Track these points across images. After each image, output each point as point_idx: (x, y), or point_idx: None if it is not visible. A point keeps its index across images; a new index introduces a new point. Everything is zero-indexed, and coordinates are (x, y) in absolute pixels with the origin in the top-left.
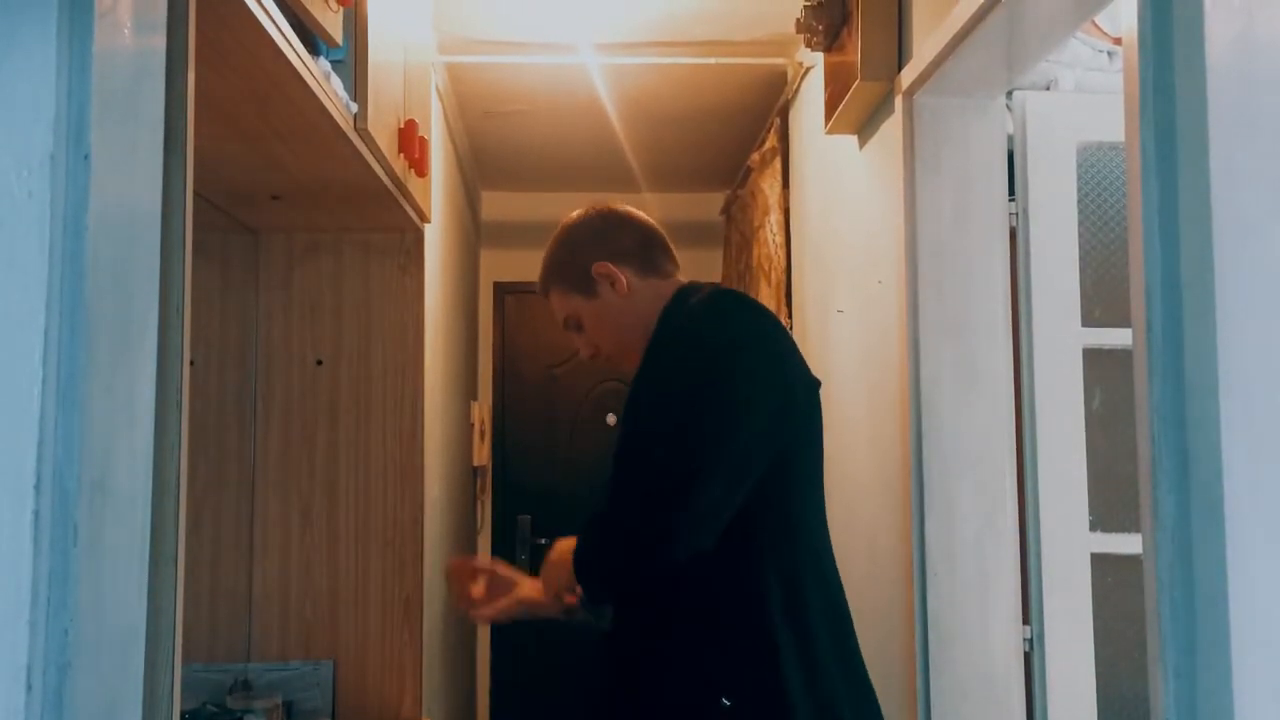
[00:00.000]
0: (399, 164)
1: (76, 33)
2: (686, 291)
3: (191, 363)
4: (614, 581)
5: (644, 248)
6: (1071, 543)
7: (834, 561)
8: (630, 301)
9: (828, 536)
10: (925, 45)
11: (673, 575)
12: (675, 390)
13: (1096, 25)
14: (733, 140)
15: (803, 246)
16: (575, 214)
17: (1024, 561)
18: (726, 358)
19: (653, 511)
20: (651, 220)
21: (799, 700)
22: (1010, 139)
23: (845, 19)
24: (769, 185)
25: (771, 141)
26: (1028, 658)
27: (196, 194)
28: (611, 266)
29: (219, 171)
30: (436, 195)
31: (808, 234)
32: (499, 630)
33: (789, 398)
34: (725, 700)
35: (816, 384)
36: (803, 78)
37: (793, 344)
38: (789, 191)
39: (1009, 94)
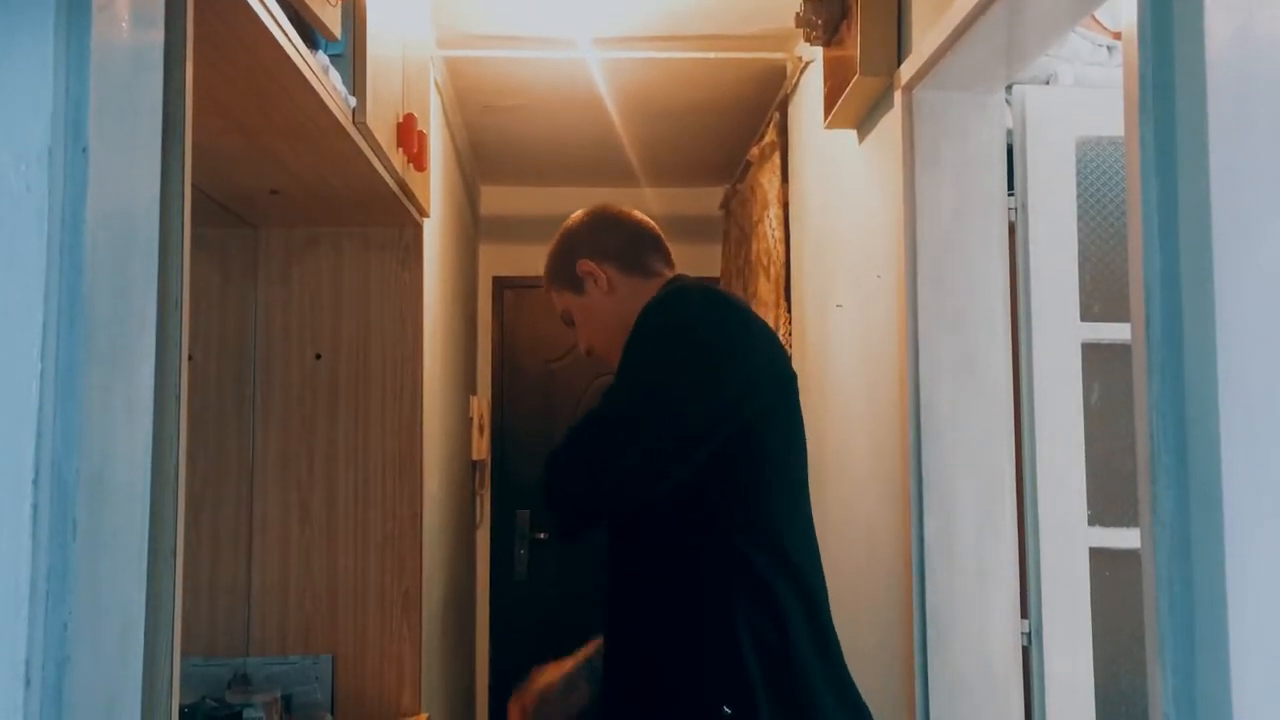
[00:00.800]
0: (398, 158)
1: (74, 27)
2: (667, 285)
3: (190, 357)
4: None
5: (630, 247)
6: (1070, 537)
7: (815, 552)
8: (612, 299)
9: (809, 527)
10: (925, 40)
11: (646, 573)
12: (635, 369)
13: (1096, 20)
14: (732, 135)
15: (802, 241)
16: (574, 215)
17: (1022, 556)
18: (688, 334)
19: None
20: (647, 221)
21: (762, 692)
22: (1009, 134)
23: (844, 13)
24: (768, 180)
25: (770, 136)
26: (1026, 652)
27: (195, 188)
28: (593, 264)
29: (218, 166)
30: (435, 190)
31: (807, 229)
32: (498, 624)
33: (751, 377)
34: (726, 709)
35: (792, 376)
36: (802, 72)
37: (766, 333)
38: (788, 186)
39: (1008, 89)
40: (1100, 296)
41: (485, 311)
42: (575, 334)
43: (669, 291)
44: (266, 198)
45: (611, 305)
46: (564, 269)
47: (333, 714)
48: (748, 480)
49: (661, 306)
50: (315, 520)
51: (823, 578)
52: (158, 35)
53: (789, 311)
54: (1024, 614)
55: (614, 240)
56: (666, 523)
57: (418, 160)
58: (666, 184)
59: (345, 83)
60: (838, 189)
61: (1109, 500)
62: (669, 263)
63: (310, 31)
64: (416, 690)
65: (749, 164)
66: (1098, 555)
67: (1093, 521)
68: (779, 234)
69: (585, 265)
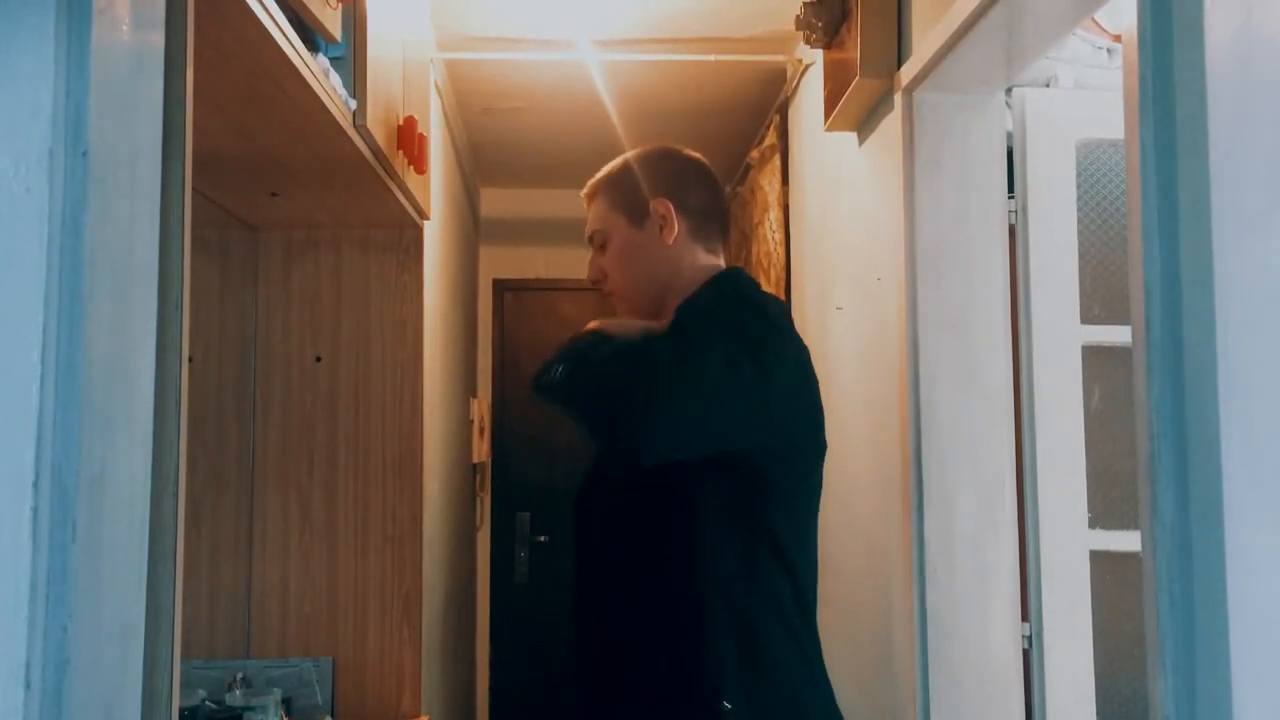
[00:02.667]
0: (398, 160)
1: (74, 30)
2: (734, 281)
3: (190, 359)
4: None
5: (709, 215)
6: (1070, 540)
7: (814, 559)
8: (668, 253)
9: (813, 538)
10: (925, 42)
11: (645, 564)
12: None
13: (1096, 22)
14: (732, 137)
15: (802, 244)
16: (666, 146)
17: (1023, 558)
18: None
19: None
20: (726, 199)
21: (759, 689)
22: (1010, 136)
23: (845, 16)
24: (768, 182)
25: (771, 139)
26: (1027, 655)
27: (195, 190)
28: (673, 211)
29: (218, 168)
30: (435, 192)
31: (807, 231)
32: (499, 627)
33: (813, 408)
34: (726, 704)
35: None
36: (802, 75)
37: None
38: (788, 189)
39: (1008, 91)
40: (1100, 299)
41: (485, 314)
42: (594, 257)
43: (762, 296)
44: (266, 200)
45: (661, 257)
46: (633, 193)
47: (333, 717)
48: (774, 489)
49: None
50: (315, 522)
51: (815, 581)
52: (158, 38)
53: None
54: (1024, 616)
55: (701, 199)
56: (684, 516)
57: (418, 163)
58: None
59: (345, 85)
60: (838, 191)
61: (1109, 502)
62: (724, 245)
63: (311, 34)
64: (417, 693)
65: (749, 166)
66: (1098, 557)
67: (1093, 524)
68: (779, 236)
69: (664, 205)
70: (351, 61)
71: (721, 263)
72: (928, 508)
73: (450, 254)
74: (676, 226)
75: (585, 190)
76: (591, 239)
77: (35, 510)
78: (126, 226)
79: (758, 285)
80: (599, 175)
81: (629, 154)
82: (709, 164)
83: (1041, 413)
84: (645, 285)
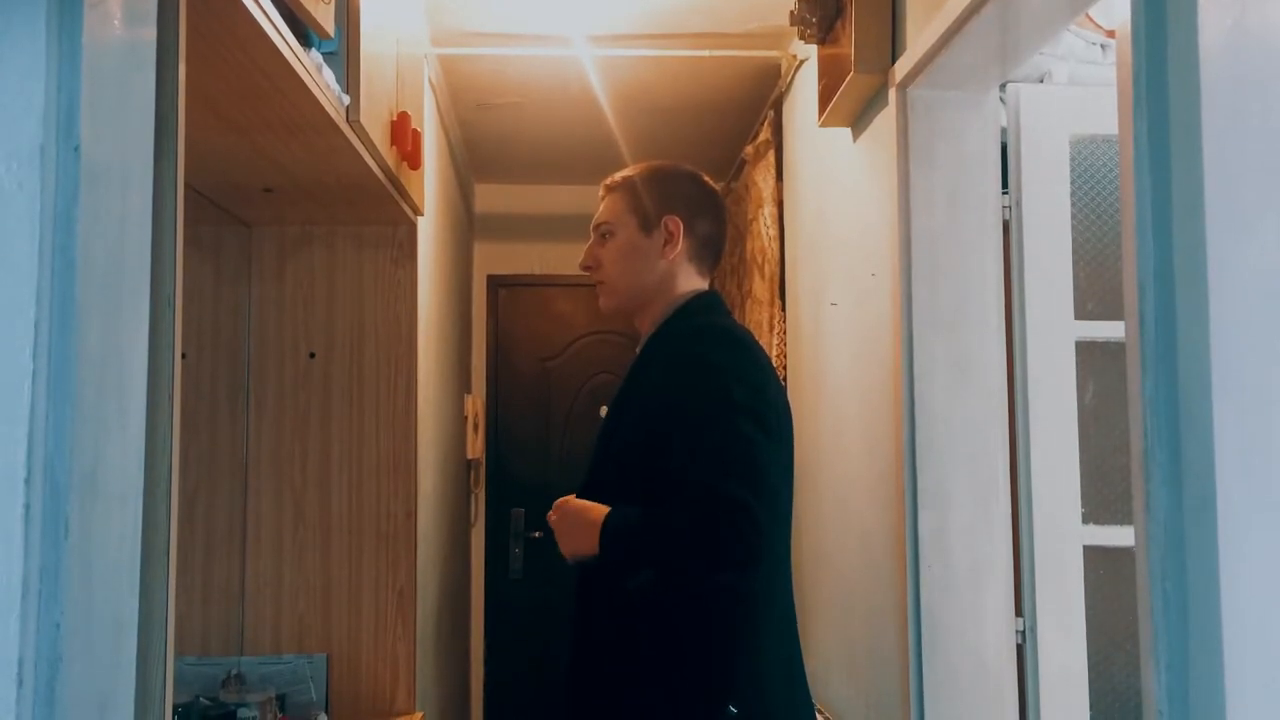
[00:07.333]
0: (392, 156)
1: (66, 25)
2: (708, 304)
3: (183, 356)
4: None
5: (709, 245)
6: (1064, 535)
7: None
8: (660, 263)
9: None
10: (919, 38)
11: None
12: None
13: (1090, 18)
14: (726, 133)
15: (796, 239)
16: (693, 170)
17: (1016, 554)
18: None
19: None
20: (727, 234)
21: (766, 693)
22: (1004, 132)
23: (839, 11)
24: (762, 178)
25: (765, 134)
26: (1020, 650)
27: (188, 186)
28: (681, 230)
29: (211, 164)
30: (430, 188)
31: (801, 227)
32: (493, 623)
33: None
34: (732, 708)
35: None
36: (796, 70)
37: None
38: (782, 184)
39: (1002, 87)
40: (1094, 294)
41: (479, 310)
42: (593, 244)
43: (735, 341)
44: (260, 195)
45: (657, 265)
46: (651, 202)
47: (327, 713)
48: None
49: (729, 356)
50: (309, 519)
51: (792, 600)
52: (150, 33)
53: (783, 309)
54: (1018, 611)
55: (710, 229)
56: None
57: (412, 158)
58: None
59: (339, 80)
60: (832, 187)
61: (1103, 498)
62: (712, 274)
63: (303, 29)
64: (411, 689)
65: (743, 162)
66: (1092, 553)
67: (1087, 519)
68: (773, 232)
69: (675, 223)
70: (345, 57)
71: (705, 286)
72: (922, 502)
73: (444, 250)
74: (680, 245)
75: (607, 181)
76: (597, 228)
77: (28, 507)
78: (119, 223)
79: (725, 312)
80: (625, 173)
81: (658, 163)
82: (726, 204)
83: (1035, 408)
84: (634, 286)
